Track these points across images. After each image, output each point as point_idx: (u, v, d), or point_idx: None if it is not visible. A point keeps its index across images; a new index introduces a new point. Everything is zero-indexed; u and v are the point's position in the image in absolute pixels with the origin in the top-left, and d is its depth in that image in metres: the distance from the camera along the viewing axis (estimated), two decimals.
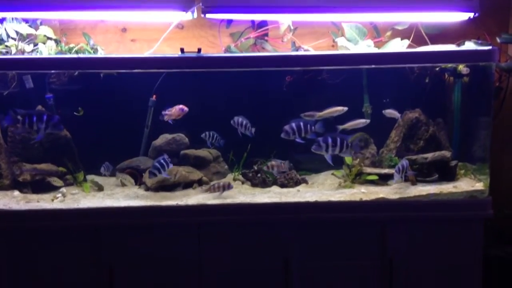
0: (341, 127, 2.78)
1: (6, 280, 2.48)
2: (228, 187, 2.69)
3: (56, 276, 2.50)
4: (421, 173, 2.76)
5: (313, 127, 2.68)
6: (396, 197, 2.59)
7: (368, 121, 2.84)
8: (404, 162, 2.61)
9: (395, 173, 2.58)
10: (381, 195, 2.61)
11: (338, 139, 2.60)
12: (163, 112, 2.72)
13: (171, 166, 2.68)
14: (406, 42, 2.89)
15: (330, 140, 2.59)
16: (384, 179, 2.78)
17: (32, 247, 2.49)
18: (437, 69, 3.00)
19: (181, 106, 2.71)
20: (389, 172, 2.77)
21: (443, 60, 2.74)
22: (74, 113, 2.88)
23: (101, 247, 2.49)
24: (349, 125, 2.80)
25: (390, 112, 2.85)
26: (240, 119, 2.80)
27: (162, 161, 2.64)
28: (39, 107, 2.84)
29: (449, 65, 2.91)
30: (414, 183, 2.73)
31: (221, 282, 2.54)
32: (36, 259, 2.49)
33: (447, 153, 2.78)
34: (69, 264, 2.50)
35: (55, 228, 2.49)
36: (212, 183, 2.80)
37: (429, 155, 2.77)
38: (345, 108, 2.77)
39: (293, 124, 2.68)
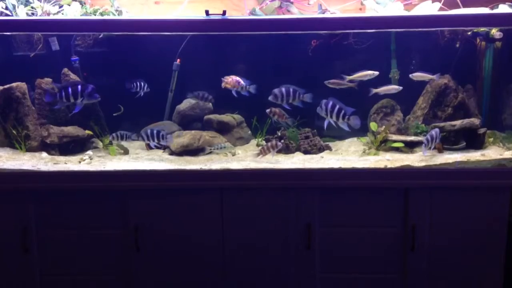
0: (374, 90, 2.75)
1: (35, 239, 2.56)
2: (276, 146, 2.67)
3: (83, 236, 2.57)
4: (448, 141, 2.71)
5: (301, 95, 2.65)
6: (421, 165, 2.56)
7: (400, 88, 2.79)
8: (434, 132, 2.55)
9: (424, 144, 2.53)
10: (406, 163, 2.58)
11: (337, 108, 2.56)
12: (222, 78, 2.69)
13: (169, 139, 2.70)
14: (437, 4, 2.79)
15: (330, 105, 2.56)
16: (410, 147, 2.74)
17: (59, 208, 2.55)
18: (469, 33, 2.91)
19: (238, 78, 2.68)
20: (415, 140, 2.72)
21: (475, 23, 2.63)
22: (114, 114, 2.88)
23: (126, 208, 2.54)
24: (382, 89, 2.76)
25: (419, 75, 2.76)
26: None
27: (155, 132, 2.65)
28: (65, 70, 2.86)
29: (482, 29, 2.81)
30: (440, 150, 2.68)
31: (243, 245, 2.58)
32: (63, 219, 2.56)
33: (476, 121, 2.71)
34: (96, 224, 2.56)
35: (82, 190, 2.54)
36: (260, 147, 2.76)
37: (457, 123, 2.71)
38: (376, 73, 2.72)
39: (283, 89, 2.66)
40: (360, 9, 2.98)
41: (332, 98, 2.59)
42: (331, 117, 2.58)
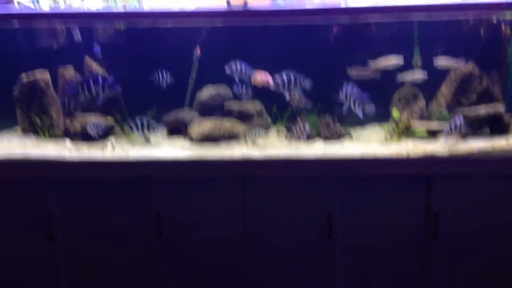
0: (401, 77, 2.72)
1: (60, 227, 2.60)
2: (305, 129, 2.69)
3: (106, 223, 2.60)
4: (472, 128, 2.67)
5: (302, 81, 2.66)
6: (445, 153, 2.52)
7: (425, 75, 2.75)
8: (457, 119, 2.51)
9: (446, 131, 2.50)
10: (429, 150, 2.54)
11: (353, 95, 2.55)
12: (252, 76, 2.70)
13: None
14: None
15: (348, 90, 2.56)
16: (433, 134, 2.71)
17: (82, 195, 2.59)
18: (494, 20, 2.84)
19: (267, 79, 2.68)
20: (438, 127, 2.68)
21: (501, 8, 2.59)
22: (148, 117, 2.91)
23: (149, 195, 2.56)
24: (408, 76, 2.74)
25: (444, 60, 2.71)
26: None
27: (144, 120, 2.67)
28: (87, 58, 2.89)
29: (507, 16, 2.75)
30: (464, 138, 2.64)
31: (265, 233, 2.58)
32: (86, 207, 2.60)
33: (500, 107, 2.66)
34: (119, 211, 2.59)
35: (105, 177, 2.57)
36: (288, 133, 2.76)
37: (482, 109, 2.66)
38: (400, 60, 2.68)
39: (284, 75, 2.66)
40: None
41: (350, 83, 2.58)
42: (349, 102, 2.57)
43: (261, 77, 2.68)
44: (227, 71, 2.73)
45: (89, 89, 2.63)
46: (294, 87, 2.67)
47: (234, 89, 2.87)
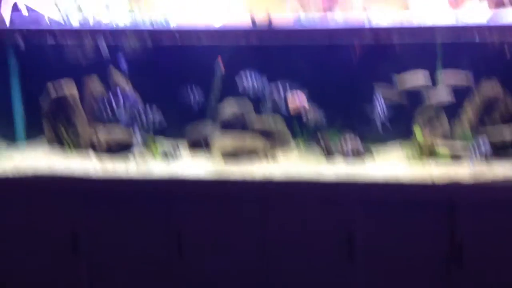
0: (426, 96, 2.74)
1: (84, 240, 2.63)
2: (358, 152, 2.68)
3: (128, 238, 2.62)
4: (498, 151, 2.63)
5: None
6: (469, 176, 2.47)
7: (452, 95, 2.74)
8: (482, 142, 2.49)
9: (471, 154, 2.47)
10: (452, 173, 2.50)
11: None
12: (288, 101, 2.73)
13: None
14: (485, 3, 2.64)
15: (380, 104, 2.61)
16: (456, 156, 2.67)
17: (105, 207, 2.62)
18: None
19: (303, 105, 2.70)
20: (462, 149, 2.65)
21: None
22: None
23: (170, 212, 2.58)
24: (434, 96, 2.74)
25: (451, 73, 2.72)
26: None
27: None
28: (113, 70, 2.94)
29: None
30: (489, 162, 2.61)
31: (285, 253, 2.56)
32: (108, 219, 2.62)
33: None
34: (139, 226, 2.61)
35: (127, 191, 2.60)
36: (339, 147, 2.77)
37: (507, 132, 2.62)
38: (426, 76, 2.67)
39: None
40: (403, 7, 2.90)
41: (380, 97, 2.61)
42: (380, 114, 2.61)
43: (296, 102, 2.69)
44: (240, 81, 2.77)
45: (111, 105, 2.69)
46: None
47: (255, 104, 2.90)
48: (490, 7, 2.65)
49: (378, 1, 2.85)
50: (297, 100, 2.68)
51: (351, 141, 2.80)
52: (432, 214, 2.46)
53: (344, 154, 2.81)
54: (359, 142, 2.84)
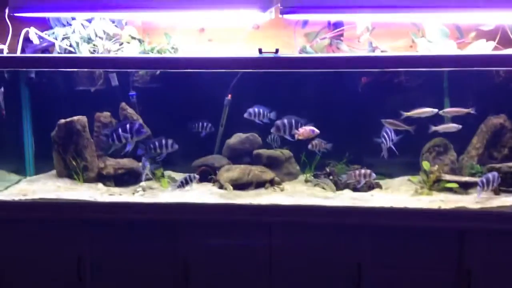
0: (433, 128, 2.76)
1: (89, 267, 2.62)
2: (369, 175, 2.69)
3: (135, 267, 2.61)
4: (505, 183, 2.63)
5: (302, 125, 2.74)
6: (477, 207, 2.49)
7: (460, 126, 2.76)
8: (491, 175, 2.49)
9: (479, 186, 2.48)
10: (461, 204, 2.51)
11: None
12: (294, 132, 2.75)
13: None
14: (492, 43, 2.75)
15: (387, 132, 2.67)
16: (464, 187, 2.68)
17: (113, 238, 2.61)
18: None
19: (312, 127, 2.73)
20: (470, 180, 2.66)
21: None
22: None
23: (177, 240, 2.57)
24: (442, 127, 2.76)
25: (453, 111, 2.77)
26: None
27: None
28: (123, 104, 2.98)
29: None
30: (497, 193, 2.60)
31: (291, 282, 2.55)
32: (116, 250, 2.61)
33: None
34: (147, 255, 2.60)
35: (135, 221, 2.60)
36: (350, 171, 2.78)
37: None
38: (435, 110, 2.71)
39: (285, 120, 2.73)
40: (411, 46, 2.97)
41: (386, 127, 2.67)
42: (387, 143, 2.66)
43: (305, 130, 2.73)
44: (247, 116, 2.82)
45: (119, 137, 2.73)
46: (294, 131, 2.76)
47: (263, 135, 2.92)
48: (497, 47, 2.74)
49: (385, 40, 2.94)
50: (306, 132, 2.71)
51: (359, 173, 2.79)
52: (440, 243, 2.46)
53: (352, 186, 2.81)
54: (367, 173, 2.83)
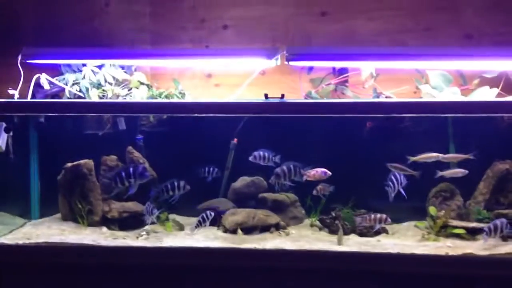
0: (440, 173, 2.76)
1: None
2: (385, 220, 2.67)
3: None
4: None
5: (301, 170, 2.77)
6: (485, 254, 2.45)
7: (466, 172, 2.75)
8: (499, 222, 2.47)
9: (485, 233, 2.47)
10: (468, 251, 2.47)
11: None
12: (303, 172, 2.77)
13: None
14: (495, 90, 2.78)
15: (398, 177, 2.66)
16: (471, 233, 2.65)
17: (117, 282, 2.58)
18: None
19: (324, 169, 2.75)
20: (477, 226, 2.63)
21: None
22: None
23: (181, 285, 2.54)
24: (448, 172, 2.76)
25: (451, 157, 2.79)
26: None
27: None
28: (129, 148, 3.02)
29: None
30: (505, 239, 2.57)
31: None
32: None
33: None
34: None
35: (139, 265, 2.57)
36: (365, 215, 2.75)
37: None
38: (441, 155, 2.71)
39: (284, 167, 2.77)
40: (415, 92, 3.01)
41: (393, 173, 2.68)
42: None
43: (316, 172, 2.74)
44: (252, 160, 2.85)
45: (122, 181, 2.76)
46: (294, 176, 2.80)
47: (268, 179, 2.93)
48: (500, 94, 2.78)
49: (389, 86, 2.99)
50: (317, 174, 2.73)
51: (374, 218, 2.77)
52: None
53: (359, 231, 2.79)
54: (382, 218, 2.79)
